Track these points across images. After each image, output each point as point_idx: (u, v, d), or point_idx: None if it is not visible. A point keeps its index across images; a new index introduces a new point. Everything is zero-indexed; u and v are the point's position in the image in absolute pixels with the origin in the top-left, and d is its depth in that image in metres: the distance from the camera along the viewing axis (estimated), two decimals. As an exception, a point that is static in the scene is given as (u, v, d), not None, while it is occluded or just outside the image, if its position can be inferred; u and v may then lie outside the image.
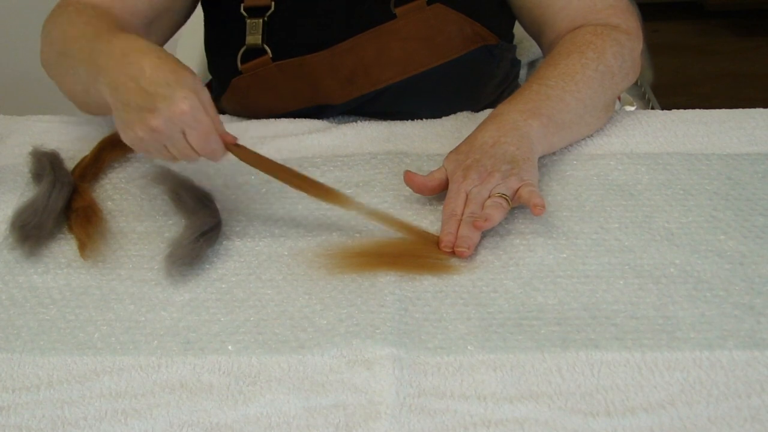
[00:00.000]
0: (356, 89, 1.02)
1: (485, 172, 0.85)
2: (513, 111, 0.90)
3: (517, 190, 0.84)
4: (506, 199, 0.83)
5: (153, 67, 0.78)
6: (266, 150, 0.98)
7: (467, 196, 0.84)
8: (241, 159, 0.84)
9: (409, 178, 0.88)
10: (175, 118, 0.77)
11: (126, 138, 0.81)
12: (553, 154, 0.95)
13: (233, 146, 0.83)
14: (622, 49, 0.96)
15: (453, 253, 0.81)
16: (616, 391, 0.69)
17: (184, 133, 0.79)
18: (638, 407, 0.67)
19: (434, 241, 0.83)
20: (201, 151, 0.81)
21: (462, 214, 0.83)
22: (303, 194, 0.87)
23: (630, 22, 0.99)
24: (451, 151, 0.89)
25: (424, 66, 1.01)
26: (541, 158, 0.94)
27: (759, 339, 0.73)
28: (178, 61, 0.80)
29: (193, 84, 0.79)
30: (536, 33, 1.05)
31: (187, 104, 0.77)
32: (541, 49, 1.06)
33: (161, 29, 1.04)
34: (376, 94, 1.02)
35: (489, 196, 0.84)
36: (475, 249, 0.82)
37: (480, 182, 0.84)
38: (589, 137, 0.98)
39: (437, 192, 0.88)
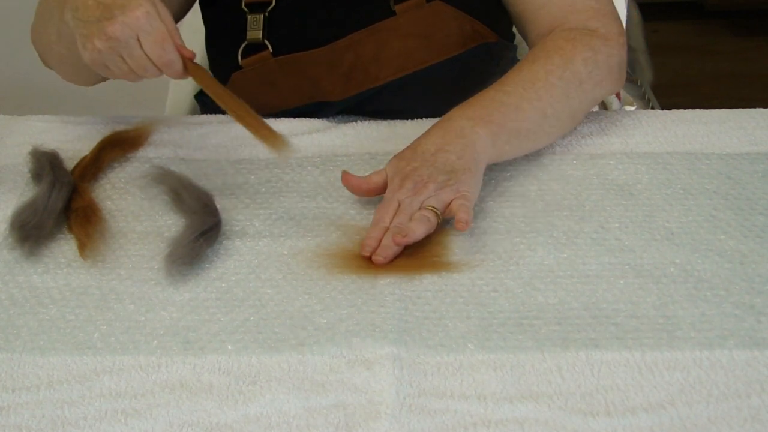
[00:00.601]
0: (355, 86, 1.02)
1: (420, 183, 0.84)
2: (462, 117, 0.88)
3: (450, 202, 0.82)
4: (436, 213, 0.82)
5: None
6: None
7: (399, 205, 0.83)
8: (195, 78, 0.85)
9: (345, 178, 0.88)
10: (130, 22, 0.80)
11: (85, 54, 0.83)
12: (553, 153, 0.95)
13: (190, 62, 0.84)
14: (595, 55, 0.94)
15: (367, 257, 0.81)
16: (616, 391, 0.68)
17: (139, 41, 0.81)
18: (638, 407, 0.67)
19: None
20: (157, 61, 0.82)
21: (390, 223, 0.82)
22: (302, 193, 0.88)
23: (610, 26, 0.97)
24: (394, 156, 0.88)
25: (423, 63, 1.01)
26: (541, 158, 0.94)
27: (759, 339, 0.73)
28: None
29: None
30: (522, 31, 1.05)
31: (142, 10, 0.80)
32: (529, 48, 1.06)
33: None
34: (375, 92, 1.02)
35: (420, 208, 0.83)
36: (474, 248, 0.82)
37: (413, 193, 0.83)
38: (589, 137, 0.98)
39: (373, 195, 0.88)
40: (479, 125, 0.88)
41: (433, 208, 0.82)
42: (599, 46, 0.95)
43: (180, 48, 0.83)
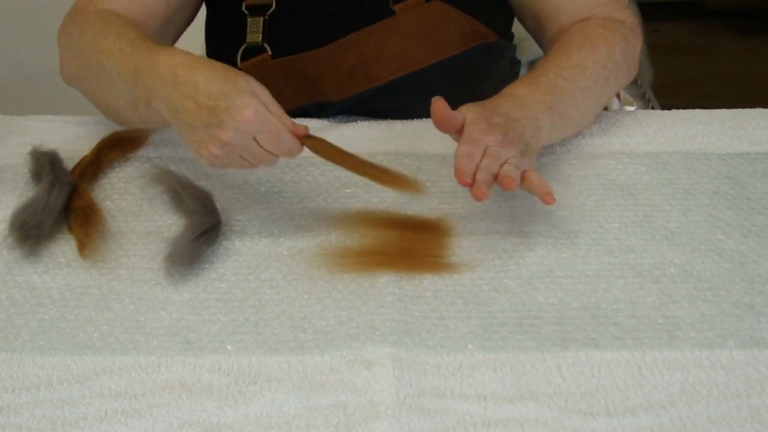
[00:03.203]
0: (355, 85, 1.02)
1: (508, 139, 0.81)
2: (534, 101, 0.87)
3: (525, 172, 0.81)
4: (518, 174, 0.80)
5: (205, 81, 0.77)
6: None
7: (486, 149, 0.80)
8: (315, 151, 0.82)
9: (438, 105, 0.82)
10: (242, 127, 0.76)
11: (202, 158, 0.80)
12: (553, 153, 0.95)
13: (306, 139, 0.81)
14: (628, 45, 0.97)
15: (468, 184, 0.77)
16: (616, 391, 0.69)
17: (255, 139, 0.77)
18: (638, 407, 0.67)
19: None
20: (277, 153, 0.79)
21: (479, 162, 0.79)
22: (302, 193, 0.88)
23: (632, 18, 1.00)
24: (471, 103, 0.85)
25: (423, 62, 1.01)
26: (541, 158, 0.94)
27: (759, 338, 0.73)
28: (227, 67, 0.79)
29: (248, 87, 0.77)
30: (536, 28, 1.05)
31: (250, 110, 0.76)
32: (541, 45, 1.06)
33: (175, 27, 1.04)
34: (375, 92, 1.02)
35: (505, 162, 0.80)
36: (474, 248, 0.82)
37: (501, 145, 0.81)
38: (589, 137, 0.98)
39: (452, 133, 0.83)
40: (547, 113, 0.88)
41: (517, 167, 0.80)
42: (630, 37, 0.97)
43: (293, 129, 0.80)
